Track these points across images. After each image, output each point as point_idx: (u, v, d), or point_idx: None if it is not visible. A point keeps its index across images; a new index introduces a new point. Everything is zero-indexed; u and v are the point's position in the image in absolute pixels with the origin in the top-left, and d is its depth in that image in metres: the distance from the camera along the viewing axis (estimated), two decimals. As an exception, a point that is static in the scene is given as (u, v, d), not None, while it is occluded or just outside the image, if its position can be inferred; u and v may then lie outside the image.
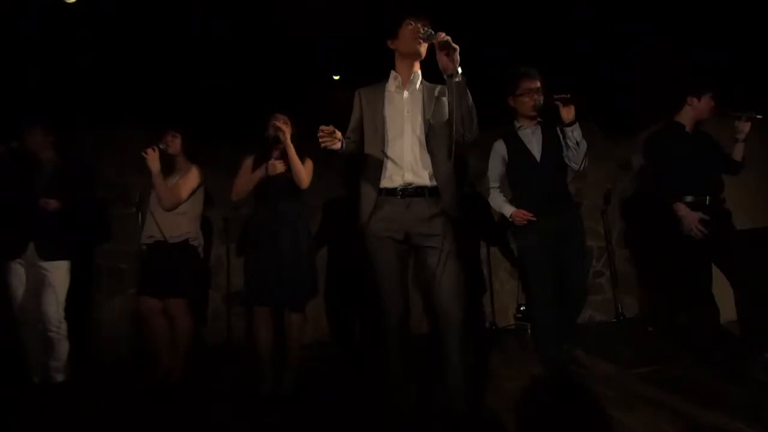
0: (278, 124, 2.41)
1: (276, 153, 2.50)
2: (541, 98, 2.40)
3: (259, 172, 2.47)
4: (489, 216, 4.32)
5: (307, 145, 2.60)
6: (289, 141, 2.41)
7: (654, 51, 3.31)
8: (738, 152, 2.58)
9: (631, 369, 2.48)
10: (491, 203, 2.64)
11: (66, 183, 2.71)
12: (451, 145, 1.75)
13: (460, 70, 1.63)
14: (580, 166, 2.42)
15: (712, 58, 3.12)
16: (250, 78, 3.49)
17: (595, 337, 3.56)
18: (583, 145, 2.35)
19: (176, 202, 2.63)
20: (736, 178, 2.67)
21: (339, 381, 2.83)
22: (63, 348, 2.63)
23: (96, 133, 3.82)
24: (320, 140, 1.69)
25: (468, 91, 1.69)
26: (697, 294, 2.48)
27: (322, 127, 1.69)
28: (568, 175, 2.57)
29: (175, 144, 2.72)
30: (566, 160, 2.46)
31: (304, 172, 2.45)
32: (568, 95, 2.26)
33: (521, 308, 4.06)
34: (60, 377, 2.61)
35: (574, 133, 2.32)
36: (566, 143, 2.40)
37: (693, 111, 2.59)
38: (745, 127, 2.52)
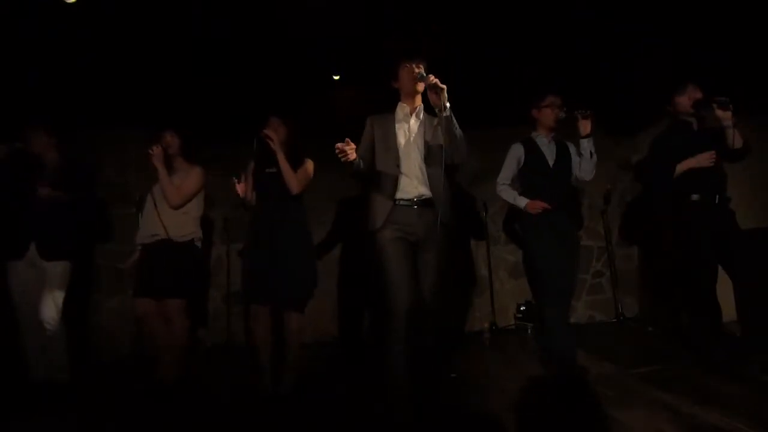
0: (268, 132, 2.41)
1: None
2: (563, 112, 2.62)
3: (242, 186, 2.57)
4: (488, 216, 4.32)
5: (308, 146, 2.61)
6: (278, 148, 2.41)
7: (654, 51, 3.31)
8: (731, 139, 2.50)
9: (631, 369, 2.48)
10: (503, 196, 2.78)
11: (67, 183, 2.71)
12: (444, 165, 2.06)
13: (448, 105, 1.91)
14: (589, 176, 2.65)
15: (712, 58, 3.12)
16: (250, 78, 3.49)
17: (595, 337, 3.57)
18: (595, 156, 2.60)
19: (184, 199, 2.65)
20: (736, 178, 2.66)
21: (339, 381, 2.83)
22: (63, 348, 2.62)
23: (96, 133, 3.83)
24: (339, 156, 1.87)
25: (455, 122, 1.97)
26: (698, 294, 2.48)
27: (338, 145, 1.86)
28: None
29: (174, 144, 2.72)
30: (577, 172, 2.68)
31: (294, 177, 2.44)
32: (589, 111, 2.52)
33: (521, 308, 4.06)
34: (60, 377, 2.61)
35: (589, 145, 2.57)
36: (580, 153, 2.62)
37: (679, 114, 2.63)
38: (725, 114, 2.45)
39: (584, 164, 2.63)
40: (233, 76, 3.44)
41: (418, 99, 2.16)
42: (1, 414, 2.37)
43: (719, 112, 2.46)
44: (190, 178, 2.71)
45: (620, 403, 1.97)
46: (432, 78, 1.89)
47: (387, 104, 2.21)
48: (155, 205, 2.69)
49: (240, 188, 2.55)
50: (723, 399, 1.93)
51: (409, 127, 2.13)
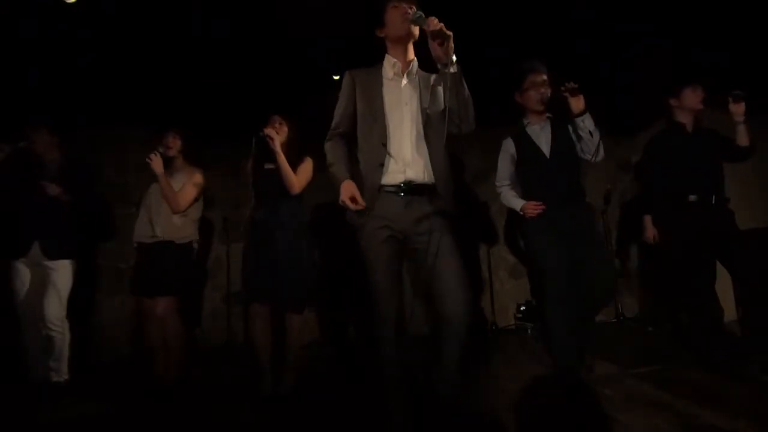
0: (269, 132, 2.39)
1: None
2: (548, 91, 2.33)
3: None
4: (488, 216, 4.33)
5: (307, 146, 2.61)
6: (278, 148, 2.38)
7: (654, 51, 3.31)
8: (741, 136, 2.47)
9: (631, 369, 2.48)
10: (502, 200, 2.58)
11: (68, 183, 2.71)
12: (446, 138, 1.67)
13: (455, 58, 1.54)
14: (594, 157, 2.32)
15: (712, 58, 3.12)
16: (250, 78, 3.49)
17: (595, 337, 3.56)
18: (597, 134, 2.27)
19: (185, 205, 2.66)
20: (738, 179, 2.66)
21: (339, 381, 2.83)
22: (64, 348, 2.63)
23: (96, 133, 3.83)
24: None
25: (464, 80, 1.61)
26: (698, 294, 2.48)
27: (348, 205, 1.62)
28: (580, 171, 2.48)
29: (176, 145, 2.72)
30: (580, 153, 2.37)
31: (294, 177, 2.43)
32: (576, 85, 2.20)
33: (521, 308, 4.06)
34: (60, 377, 2.61)
35: (586, 123, 2.24)
36: (578, 135, 2.31)
37: (681, 110, 2.59)
38: (738, 108, 2.42)
39: (584, 146, 2.31)
40: (233, 76, 3.44)
41: (411, 50, 1.75)
42: (1, 414, 2.37)
43: (733, 107, 2.43)
44: (191, 182, 2.71)
45: (620, 403, 1.97)
46: (435, 21, 1.50)
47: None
48: (151, 206, 2.70)
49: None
50: (723, 399, 1.93)
51: (400, 91, 1.72)
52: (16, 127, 2.70)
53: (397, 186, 1.66)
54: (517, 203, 2.45)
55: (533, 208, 2.36)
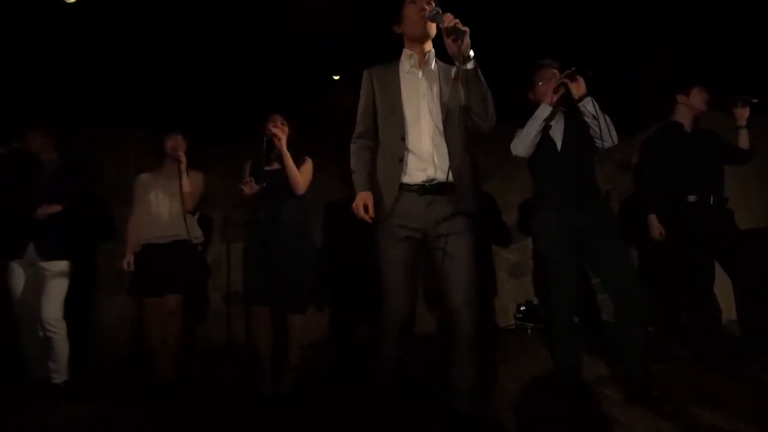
0: (275, 130, 2.39)
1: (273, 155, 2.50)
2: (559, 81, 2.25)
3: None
4: (489, 216, 4.32)
5: (306, 146, 2.61)
6: (284, 148, 2.39)
7: (654, 51, 3.32)
8: (743, 140, 2.52)
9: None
10: (523, 131, 2.30)
11: (67, 183, 2.71)
12: (466, 134, 1.64)
13: (472, 53, 1.52)
14: (610, 141, 2.18)
15: (712, 58, 3.12)
16: (250, 78, 3.49)
17: (596, 337, 3.56)
18: (603, 117, 2.15)
19: (197, 205, 2.79)
20: (738, 179, 2.66)
21: (339, 381, 2.83)
22: (63, 348, 2.62)
23: (96, 133, 3.82)
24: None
25: (482, 76, 1.58)
26: (698, 294, 2.48)
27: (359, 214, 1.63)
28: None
29: (183, 148, 2.73)
30: (596, 143, 2.24)
31: (300, 177, 2.44)
32: (573, 69, 2.14)
33: (521, 308, 4.06)
34: (60, 377, 2.61)
35: (587, 107, 2.16)
36: (586, 121, 2.21)
37: (686, 108, 2.59)
38: (744, 112, 2.48)
39: (594, 132, 2.19)
40: (233, 76, 3.44)
41: (429, 43, 1.73)
42: (1, 414, 2.37)
43: (739, 110, 2.47)
44: (198, 185, 2.76)
45: (620, 403, 1.97)
46: (450, 17, 1.48)
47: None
48: (157, 205, 2.70)
49: (249, 187, 2.44)
50: (723, 399, 1.93)
51: (418, 83, 1.69)
52: (16, 128, 2.70)
53: (419, 185, 1.62)
54: (542, 109, 2.22)
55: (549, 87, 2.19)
